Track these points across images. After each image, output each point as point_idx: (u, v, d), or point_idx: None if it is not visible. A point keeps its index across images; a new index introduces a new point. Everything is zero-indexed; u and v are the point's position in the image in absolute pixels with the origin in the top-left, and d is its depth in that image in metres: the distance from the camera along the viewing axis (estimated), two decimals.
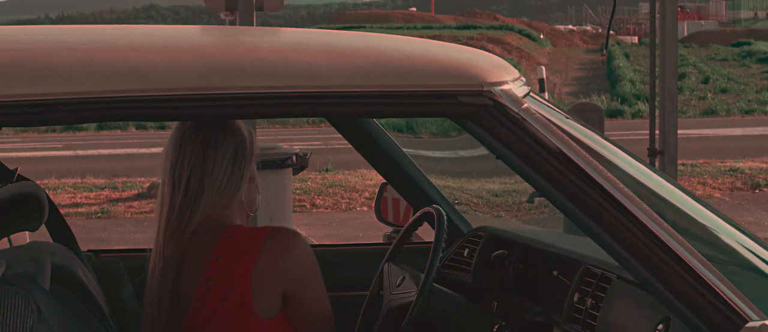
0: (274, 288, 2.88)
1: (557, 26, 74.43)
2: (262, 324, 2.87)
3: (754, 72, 40.48)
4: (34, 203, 2.92)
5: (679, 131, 7.38)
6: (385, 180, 4.27)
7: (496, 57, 2.67)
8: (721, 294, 2.38)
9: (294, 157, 8.16)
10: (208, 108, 2.33)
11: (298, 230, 3.02)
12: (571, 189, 2.41)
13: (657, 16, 7.54)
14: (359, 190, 14.52)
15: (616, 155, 2.83)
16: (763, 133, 23.41)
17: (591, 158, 2.43)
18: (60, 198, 13.97)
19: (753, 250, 2.82)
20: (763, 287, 2.66)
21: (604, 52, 8.43)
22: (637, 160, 2.97)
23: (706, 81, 36.96)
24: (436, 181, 4.24)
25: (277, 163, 8.10)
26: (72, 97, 2.26)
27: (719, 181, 15.34)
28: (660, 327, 2.63)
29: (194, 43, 2.67)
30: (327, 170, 16.44)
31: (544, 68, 19.89)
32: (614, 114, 28.20)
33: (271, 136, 23.42)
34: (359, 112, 2.42)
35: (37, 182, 3.04)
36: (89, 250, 3.70)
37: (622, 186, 2.41)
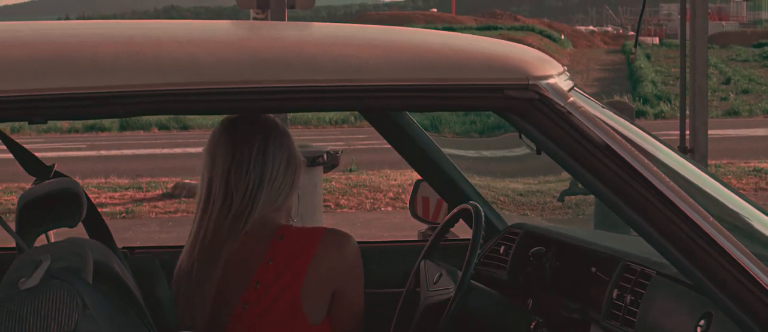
0: (326, 290, 2.89)
1: (578, 27, 74.20)
2: (309, 330, 2.87)
3: None
4: (73, 199, 2.92)
5: None
6: (420, 178, 4.26)
7: (541, 52, 2.66)
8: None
9: (325, 156, 8.12)
10: (255, 101, 2.32)
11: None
12: (616, 182, 2.40)
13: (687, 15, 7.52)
14: (383, 190, 14.52)
15: (660, 150, 2.81)
16: None
17: (636, 151, 2.42)
18: None
19: None
20: None
21: (634, 49, 8.42)
22: (677, 153, 2.95)
23: (727, 82, 36.82)
24: None
25: (309, 161, 8.03)
26: (121, 91, 2.24)
27: (743, 182, 15.29)
28: (702, 322, 2.62)
29: (237, 37, 2.67)
30: (351, 170, 16.43)
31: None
32: (637, 115, 28.10)
33: (295, 135, 23.39)
34: (404, 105, 2.41)
35: None
36: (124, 247, 3.70)
37: (667, 179, 2.40)
